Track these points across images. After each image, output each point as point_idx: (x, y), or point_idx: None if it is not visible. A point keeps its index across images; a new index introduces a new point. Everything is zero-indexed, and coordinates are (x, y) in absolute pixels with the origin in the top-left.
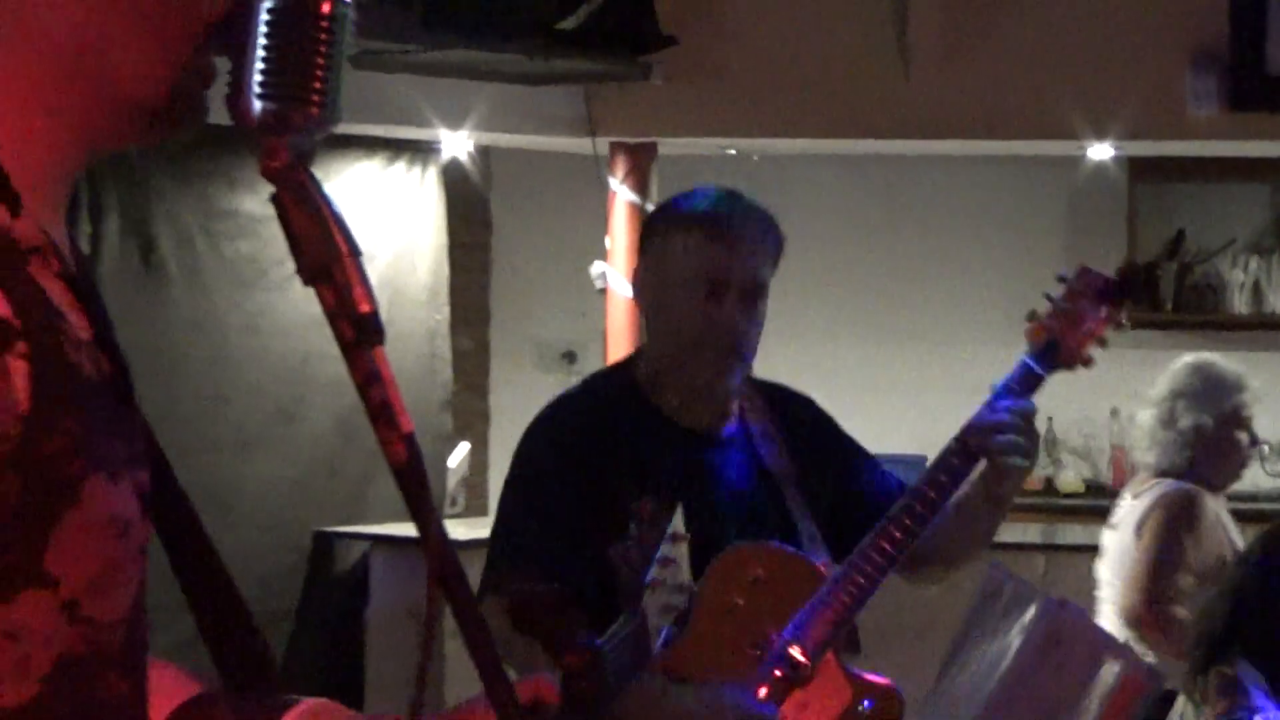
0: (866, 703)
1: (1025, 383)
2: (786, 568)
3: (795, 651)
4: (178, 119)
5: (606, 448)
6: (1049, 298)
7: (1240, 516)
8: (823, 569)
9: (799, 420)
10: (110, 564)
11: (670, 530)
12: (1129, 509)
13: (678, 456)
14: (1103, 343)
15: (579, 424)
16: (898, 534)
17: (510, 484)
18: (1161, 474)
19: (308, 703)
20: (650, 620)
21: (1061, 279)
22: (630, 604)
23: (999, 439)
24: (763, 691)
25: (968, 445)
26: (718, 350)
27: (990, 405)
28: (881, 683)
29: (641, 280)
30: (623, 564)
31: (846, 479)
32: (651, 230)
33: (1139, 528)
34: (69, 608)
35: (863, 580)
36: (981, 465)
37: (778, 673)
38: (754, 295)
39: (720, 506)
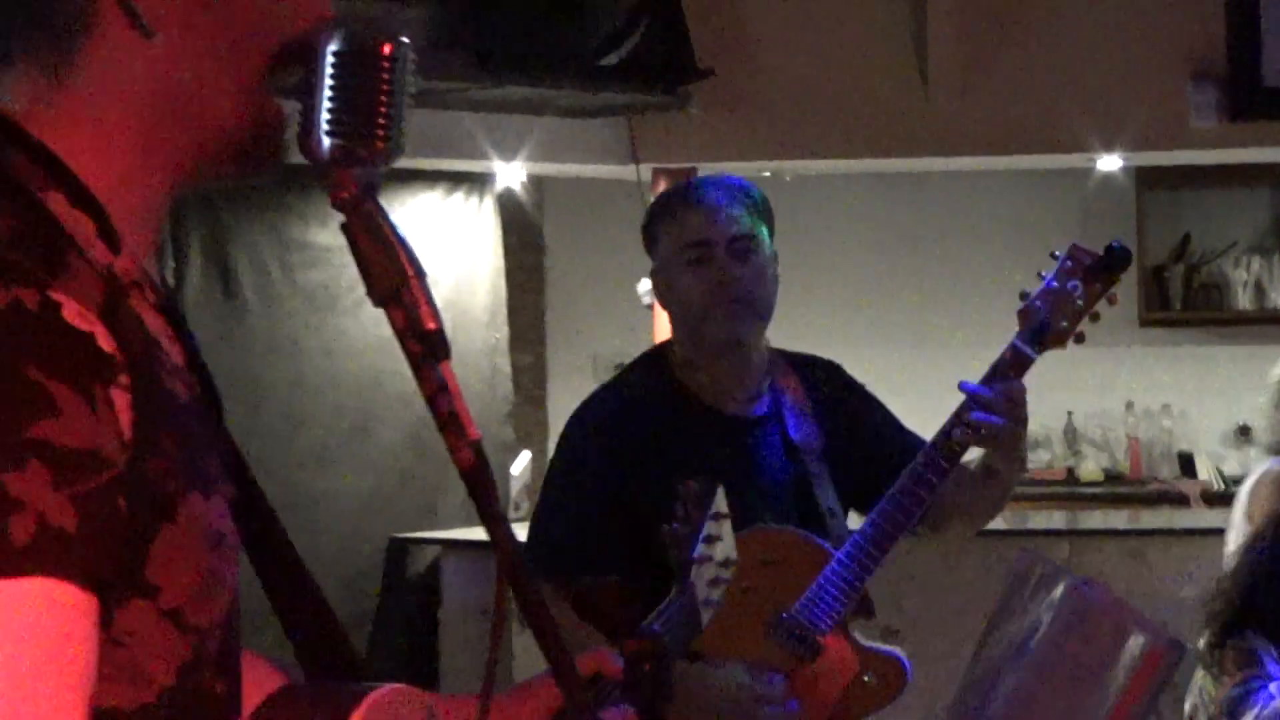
0: (871, 674)
1: (1015, 364)
2: (793, 549)
3: (803, 629)
4: (262, 154)
5: (642, 434)
6: (1041, 276)
7: None
8: (827, 549)
9: (828, 388)
10: (208, 574)
11: (713, 510)
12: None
13: (711, 442)
14: (1095, 317)
15: (615, 412)
16: (898, 516)
17: (551, 471)
18: (1275, 453)
19: (386, 688)
20: (700, 593)
21: (1054, 257)
22: (679, 579)
23: (988, 423)
24: (775, 668)
25: (961, 429)
26: (724, 304)
27: (981, 389)
28: (885, 654)
29: (654, 277)
30: (672, 542)
31: (874, 444)
32: (646, 229)
33: (1247, 508)
34: (174, 616)
35: (864, 560)
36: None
37: (789, 650)
38: (742, 249)
39: (750, 490)
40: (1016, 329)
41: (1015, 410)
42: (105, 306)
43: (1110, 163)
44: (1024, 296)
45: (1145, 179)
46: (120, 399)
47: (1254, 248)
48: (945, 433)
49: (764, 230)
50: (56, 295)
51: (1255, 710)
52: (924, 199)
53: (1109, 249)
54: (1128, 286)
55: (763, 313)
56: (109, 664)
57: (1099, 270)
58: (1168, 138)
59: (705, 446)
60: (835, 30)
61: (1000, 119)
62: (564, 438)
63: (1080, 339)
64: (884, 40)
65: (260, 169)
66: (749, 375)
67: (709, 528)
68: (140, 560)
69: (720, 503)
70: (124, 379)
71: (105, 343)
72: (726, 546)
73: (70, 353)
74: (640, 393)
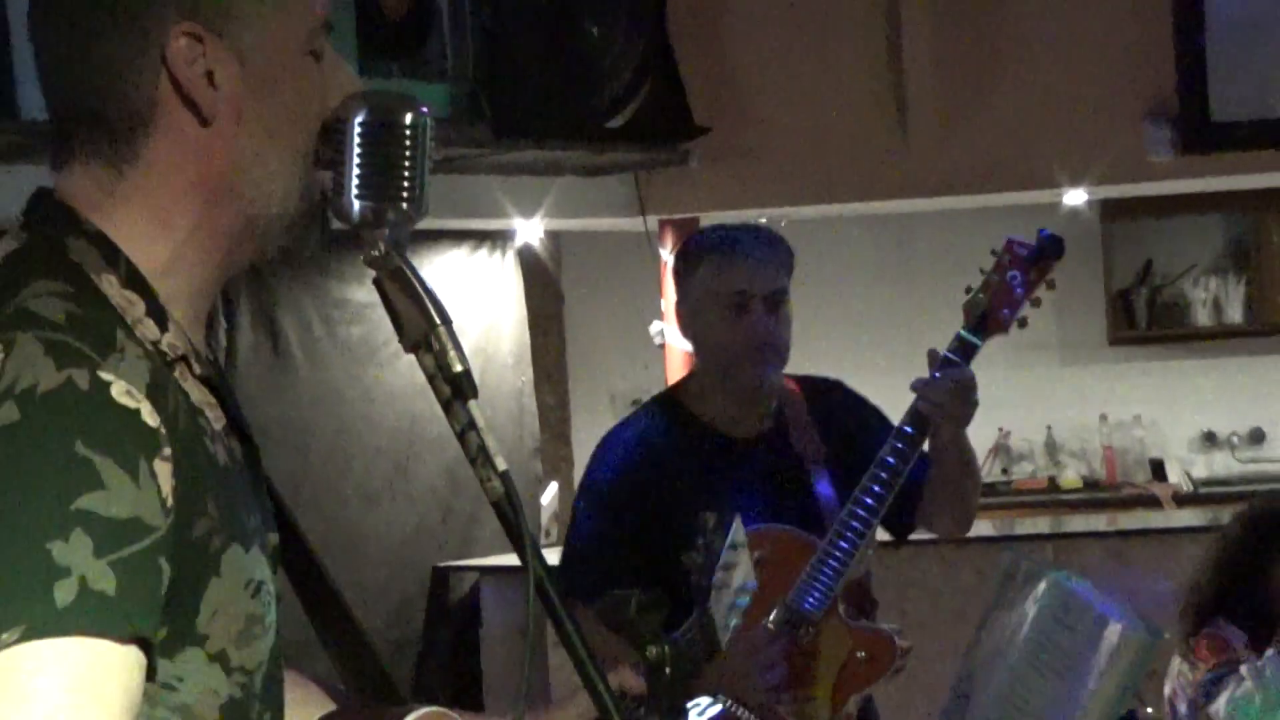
0: (863, 651)
1: (962, 353)
2: (784, 543)
3: (799, 615)
4: (307, 224)
5: (654, 461)
6: (982, 272)
7: (1212, 499)
8: (814, 540)
9: (831, 405)
10: (250, 619)
11: (731, 539)
12: None
13: (718, 464)
14: (1036, 303)
15: (628, 443)
16: (869, 501)
17: (575, 501)
18: None
19: (425, 710)
20: (719, 617)
21: (993, 254)
22: (700, 603)
23: (934, 402)
24: (777, 653)
25: (919, 412)
26: (754, 354)
27: (931, 375)
28: (874, 632)
29: (680, 312)
30: (693, 569)
31: (871, 446)
32: (678, 267)
33: None
34: (220, 659)
35: (846, 542)
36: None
37: (788, 635)
38: (776, 302)
39: (756, 501)
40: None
41: (964, 392)
42: (151, 383)
43: (1076, 196)
44: (968, 291)
45: (1108, 210)
46: (162, 469)
47: (1211, 269)
48: (910, 414)
49: (788, 281)
50: (105, 375)
51: (1229, 691)
52: (908, 237)
53: (1040, 238)
54: (1098, 309)
55: (786, 358)
56: (164, 706)
57: (1034, 259)
58: (1127, 172)
59: (713, 468)
60: (820, 86)
61: (974, 162)
62: (586, 470)
63: (1023, 324)
64: (866, 94)
65: (306, 237)
66: (760, 404)
67: (727, 556)
68: (192, 612)
69: (738, 533)
70: (166, 450)
71: (150, 418)
72: (744, 573)
73: (116, 429)
74: (652, 424)
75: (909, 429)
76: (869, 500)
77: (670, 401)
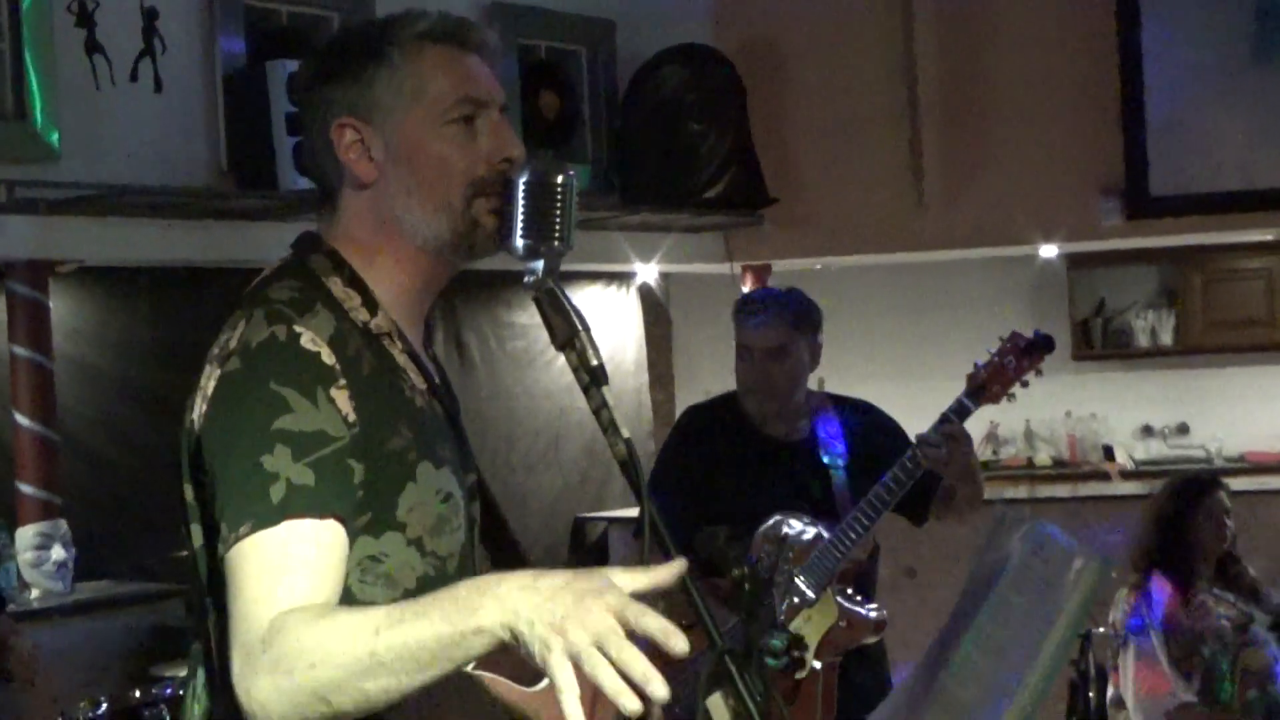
0: (844, 622)
1: (959, 413)
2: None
3: (802, 585)
4: (467, 250)
5: (710, 440)
6: (989, 352)
7: (1148, 475)
8: (822, 532)
9: (858, 423)
10: (440, 518)
11: (786, 552)
12: None
13: (756, 455)
14: (1025, 384)
15: (700, 421)
16: (869, 510)
17: (658, 456)
18: None
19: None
20: (778, 603)
21: (1001, 339)
22: (765, 594)
23: (931, 453)
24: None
25: (916, 455)
26: (753, 393)
27: (934, 428)
28: (856, 609)
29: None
30: (759, 568)
31: (886, 459)
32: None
33: None
34: (417, 544)
35: (845, 539)
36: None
37: (795, 599)
38: (772, 354)
39: (782, 492)
40: (964, 387)
41: (955, 445)
42: (334, 335)
43: (1048, 251)
44: (975, 366)
45: (1072, 261)
46: (339, 395)
47: (1148, 305)
48: (907, 456)
49: (801, 336)
50: (298, 328)
51: (1128, 636)
52: (922, 280)
53: (1035, 335)
54: (1064, 333)
55: (787, 393)
56: (372, 573)
57: (1029, 351)
58: (1086, 233)
59: (749, 455)
60: (857, 168)
61: (972, 225)
62: (668, 437)
63: (1011, 398)
64: (891, 174)
65: (471, 256)
66: (786, 417)
67: (782, 564)
68: (392, 506)
69: (786, 553)
70: (341, 381)
71: (328, 358)
72: (803, 585)
73: (299, 367)
74: (714, 413)
75: (909, 464)
76: (869, 510)
77: (731, 399)
